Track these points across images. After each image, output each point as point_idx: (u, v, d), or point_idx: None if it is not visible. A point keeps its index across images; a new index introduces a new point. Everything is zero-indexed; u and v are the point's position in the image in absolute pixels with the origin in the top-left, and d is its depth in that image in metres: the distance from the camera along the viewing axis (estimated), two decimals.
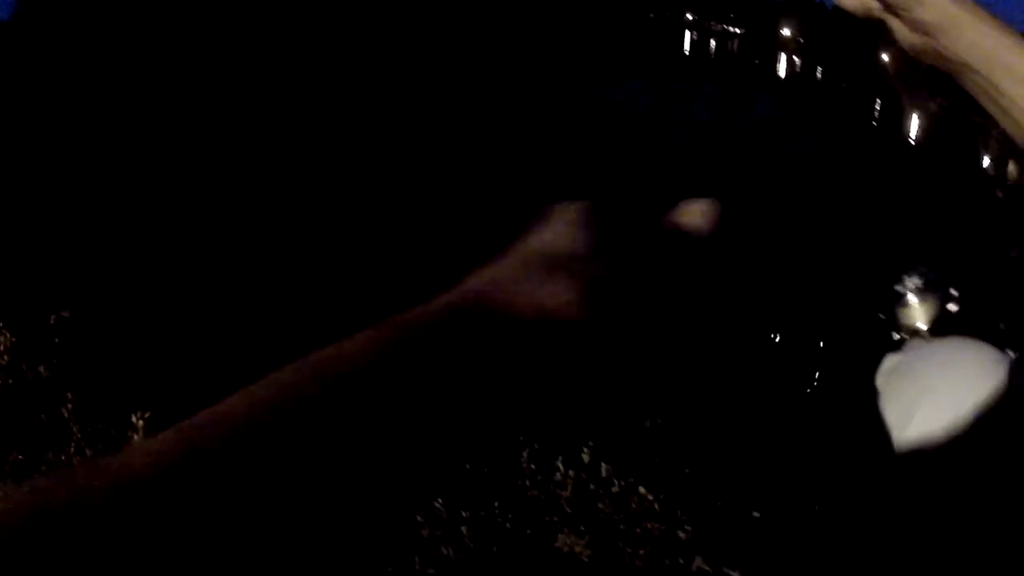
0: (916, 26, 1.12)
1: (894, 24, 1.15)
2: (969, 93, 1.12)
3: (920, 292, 1.66)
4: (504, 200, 6.18)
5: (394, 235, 5.24)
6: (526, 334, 0.50)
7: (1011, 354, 1.50)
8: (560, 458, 3.93)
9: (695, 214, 0.61)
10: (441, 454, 0.47)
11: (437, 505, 3.75)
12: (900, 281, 1.68)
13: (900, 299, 1.67)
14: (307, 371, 0.45)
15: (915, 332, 1.67)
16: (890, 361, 1.55)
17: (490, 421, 0.49)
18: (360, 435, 0.44)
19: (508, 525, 3.61)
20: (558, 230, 0.57)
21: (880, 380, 1.56)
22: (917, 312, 1.66)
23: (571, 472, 3.83)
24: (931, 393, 1.44)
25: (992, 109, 1.12)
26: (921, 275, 1.68)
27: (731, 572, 2.85)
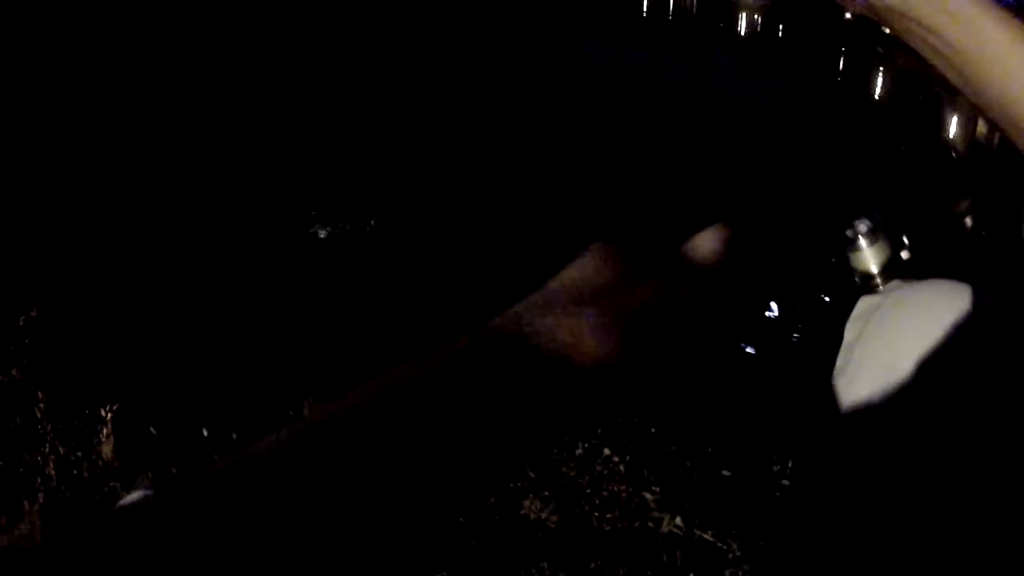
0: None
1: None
2: (929, 62, 1.09)
3: (871, 236, 1.60)
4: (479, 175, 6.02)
5: (395, 229, 5.12)
6: (555, 364, 0.56)
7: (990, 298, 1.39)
8: None
9: (706, 244, 0.68)
10: (475, 469, 0.53)
11: None
12: (851, 226, 1.63)
13: (851, 243, 1.61)
14: (391, 391, 0.53)
15: (867, 276, 1.59)
16: (864, 304, 1.43)
17: (519, 442, 0.54)
18: (415, 448, 0.51)
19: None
20: (583, 265, 0.63)
21: (853, 325, 1.43)
22: (867, 256, 1.59)
23: None
24: (909, 338, 1.33)
25: (956, 80, 1.10)
26: (872, 220, 1.63)
27: (703, 533, 2.76)
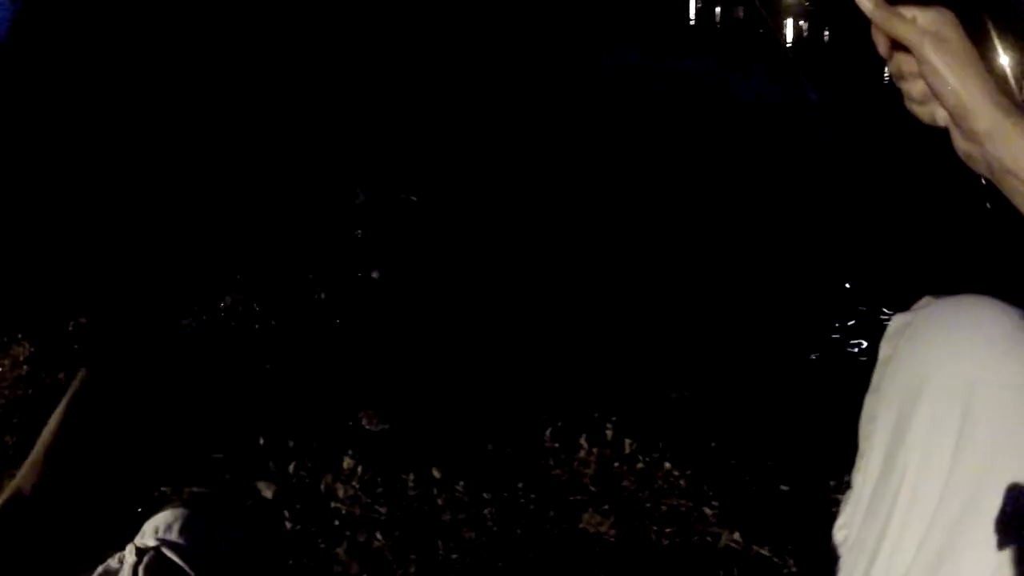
0: (968, 134, 1.20)
1: (951, 130, 1.23)
2: (1014, 203, 1.19)
3: None
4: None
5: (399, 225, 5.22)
6: None
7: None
8: (584, 435, 3.84)
9: None
10: None
11: (458, 489, 3.68)
12: None
13: None
14: None
15: None
16: (897, 322, 1.43)
17: None
18: None
19: (532, 506, 3.53)
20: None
21: (887, 344, 1.43)
22: None
23: (595, 449, 3.74)
24: (938, 354, 1.33)
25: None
26: None
27: (760, 549, 2.75)
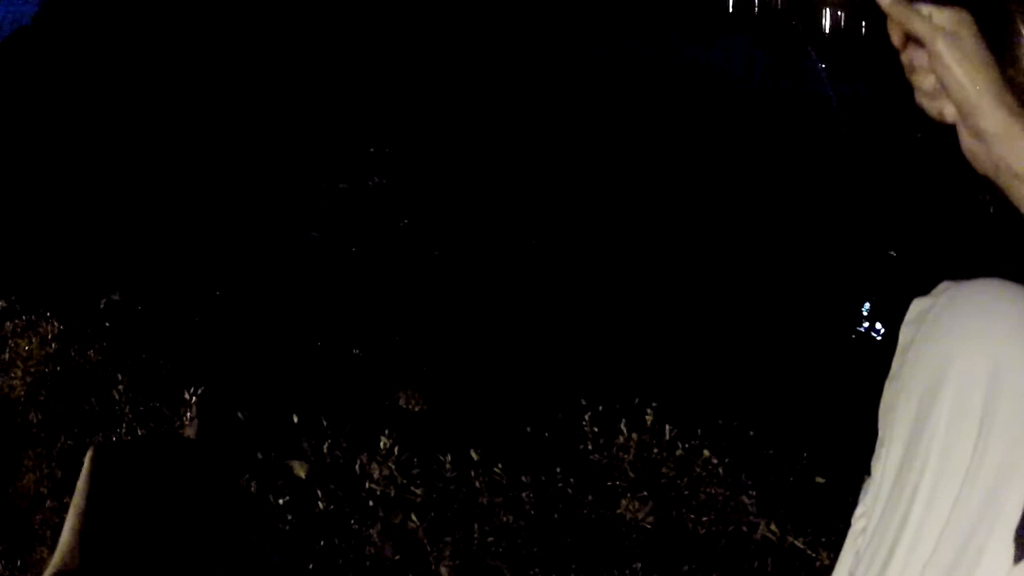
0: (975, 133, 1.21)
1: (959, 128, 1.24)
2: (1016, 205, 1.19)
3: None
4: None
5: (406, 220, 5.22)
6: None
7: None
8: (623, 421, 3.82)
9: None
10: None
11: (496, 471, 3.68)
12: None
13: None
14: None
15: None
16: (917, 307, 1.39)
17: None
18: None
19: (570, 491, 3.53)
20: None
21: (907, 330, 1.40)
22: None
23: (634, 435, 3.72)
24: (960, 338, 1.29)
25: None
26: None
27: (795, 540, 2.72)
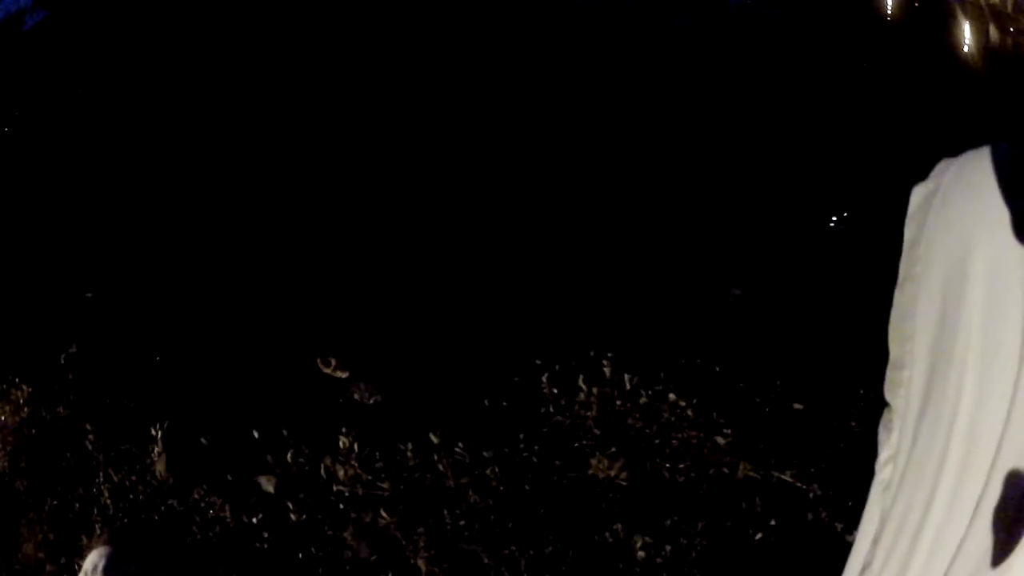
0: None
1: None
2: None
3: None
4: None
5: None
6: None
7: None
8: (581, 376, 3.62)
9: None
10: None
11: (458, 451, 3.48)
12: None
13: None
14: None
15: None
16: (919, 194, 1.14)
17: None
18: None
19: (535, 459, 3.34)
20: None
21: (912, 222, 1.14)
22: None
23: (594, 390, 3.53)
24: (989, 221, 1.04)
25: None
26: None
27: (781, 475, 2.55)
